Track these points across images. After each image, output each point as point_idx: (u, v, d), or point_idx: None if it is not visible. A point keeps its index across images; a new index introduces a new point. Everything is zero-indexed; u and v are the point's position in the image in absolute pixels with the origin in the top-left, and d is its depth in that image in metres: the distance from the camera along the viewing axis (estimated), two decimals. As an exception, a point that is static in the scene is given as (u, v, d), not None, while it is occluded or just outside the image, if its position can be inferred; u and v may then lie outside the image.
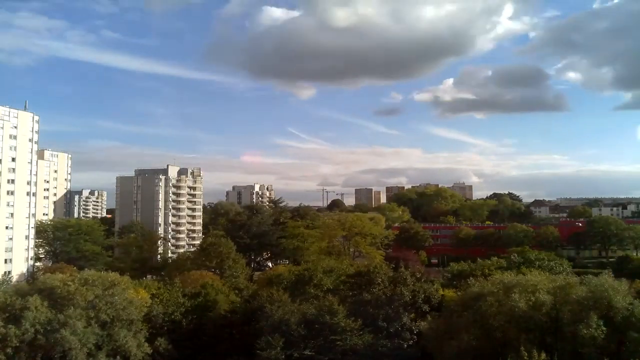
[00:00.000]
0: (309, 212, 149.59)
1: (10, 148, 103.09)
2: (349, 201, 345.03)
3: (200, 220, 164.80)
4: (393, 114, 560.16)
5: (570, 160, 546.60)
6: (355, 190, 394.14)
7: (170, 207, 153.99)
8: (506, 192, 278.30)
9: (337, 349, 47.28)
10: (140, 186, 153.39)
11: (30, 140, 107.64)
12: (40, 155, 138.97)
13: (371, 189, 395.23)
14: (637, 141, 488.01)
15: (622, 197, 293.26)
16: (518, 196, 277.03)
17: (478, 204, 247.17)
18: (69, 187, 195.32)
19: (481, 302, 42.69)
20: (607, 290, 39.77)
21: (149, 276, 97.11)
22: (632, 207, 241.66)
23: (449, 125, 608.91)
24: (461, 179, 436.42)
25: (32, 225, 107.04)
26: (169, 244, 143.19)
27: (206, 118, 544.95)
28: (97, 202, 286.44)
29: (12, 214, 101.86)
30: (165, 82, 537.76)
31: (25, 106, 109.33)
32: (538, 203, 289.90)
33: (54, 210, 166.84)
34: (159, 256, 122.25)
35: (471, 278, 53.98)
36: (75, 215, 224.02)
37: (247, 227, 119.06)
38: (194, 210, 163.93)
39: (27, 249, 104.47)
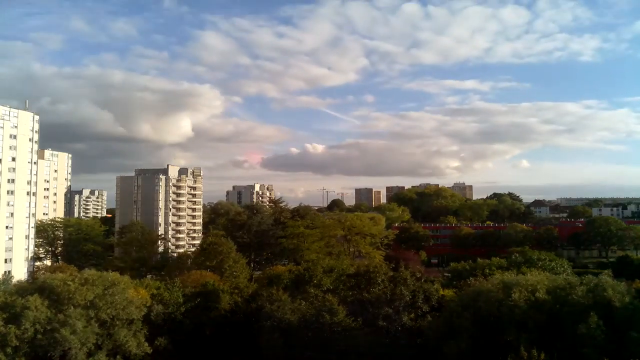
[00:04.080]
0: (308, 212, 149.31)
1: (10, 148, 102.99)
2: (349, 201, 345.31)
3: (200, 220, 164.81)
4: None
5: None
6: (355, 190, 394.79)
7: (170, 206, 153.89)
8: (506, 192, 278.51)
9: (337, 349, 47.24)
10: (141, 186, 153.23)
11: (31, 140, 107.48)
12: (40, 155, 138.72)
13: (371, 189, 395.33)
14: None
15: (622, 197, 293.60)
16: (518, 196, 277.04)
17: (478, 204, 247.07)
18: (69, 187, 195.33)
19: (480, 300, 42.67)
20: (607, 290, 39.82)
21: (149, 276, 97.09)
22: (632, 207, 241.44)
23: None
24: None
25: (32, 225, 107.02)
26: (169, 243, 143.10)
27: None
28: (98, 201, 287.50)
29: (12, 214, 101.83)
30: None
31: (25, 106, 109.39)
32: (538, 203, 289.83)
33: (54, 210, 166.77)
34: (159, 256, 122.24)
35: (471, 278, 53.98)
36: (76, 214, 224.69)
37: (247, 226, 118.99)
38: (194, 210, 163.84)
39: (27, 249, 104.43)
